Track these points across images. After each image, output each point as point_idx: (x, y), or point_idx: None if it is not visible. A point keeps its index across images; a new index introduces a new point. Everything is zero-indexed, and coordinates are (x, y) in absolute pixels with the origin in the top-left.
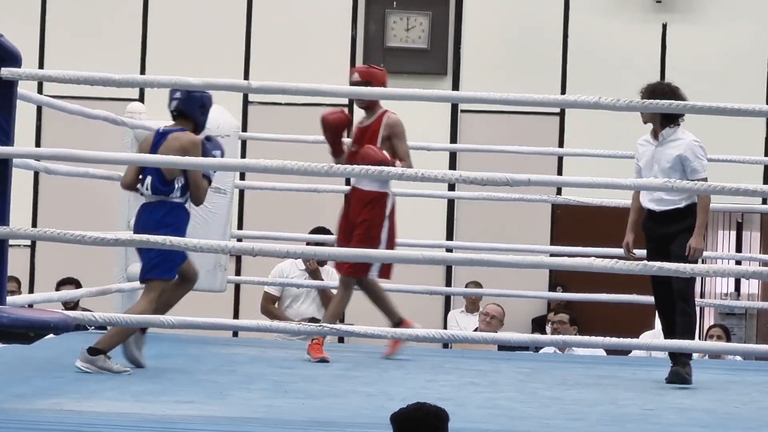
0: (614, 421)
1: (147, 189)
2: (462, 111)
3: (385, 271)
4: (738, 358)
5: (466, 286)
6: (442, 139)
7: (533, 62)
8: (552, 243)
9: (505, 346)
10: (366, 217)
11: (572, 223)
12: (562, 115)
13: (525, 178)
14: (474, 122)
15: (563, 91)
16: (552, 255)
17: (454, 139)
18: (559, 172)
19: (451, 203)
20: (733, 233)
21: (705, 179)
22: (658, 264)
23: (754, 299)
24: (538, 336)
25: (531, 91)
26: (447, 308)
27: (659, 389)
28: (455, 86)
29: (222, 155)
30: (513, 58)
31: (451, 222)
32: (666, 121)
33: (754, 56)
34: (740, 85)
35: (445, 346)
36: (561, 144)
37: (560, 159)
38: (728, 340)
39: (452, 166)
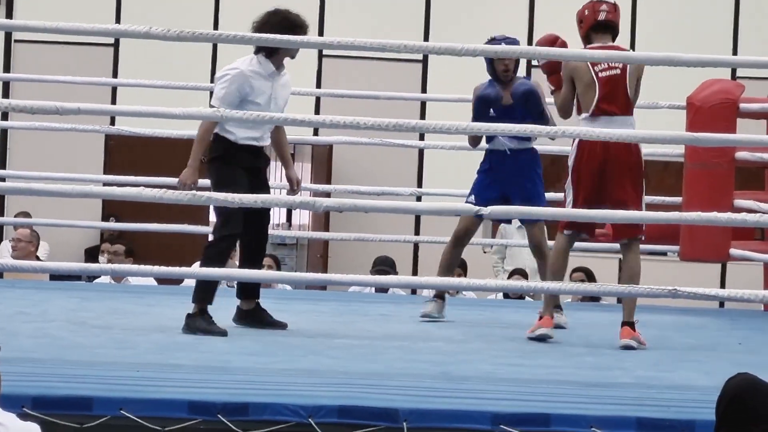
0: (163, 350)
1: None
2: (15, 42)
3: None
4: (287, 287)
5: (16, 216)
6: None
7: None
8: (105, 173)
9: (57, 276)
10: None
11: (125, 154)
12: (116, 46)
13: (75, 107)
14: (29, 52)
15: (118, 21)
16: (105, 185)
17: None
18: (113, 102)
19: (4, 132)
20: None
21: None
22: (206, 194)
23: (304, 229)
24: (89, 265)
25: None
26: None
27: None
28: (9, 15)
29: None
30: None
31: (3, 152)
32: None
33: None
34: None
35: None
36: (115, 75)
37: (114, 89)
38: (278, 268)
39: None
